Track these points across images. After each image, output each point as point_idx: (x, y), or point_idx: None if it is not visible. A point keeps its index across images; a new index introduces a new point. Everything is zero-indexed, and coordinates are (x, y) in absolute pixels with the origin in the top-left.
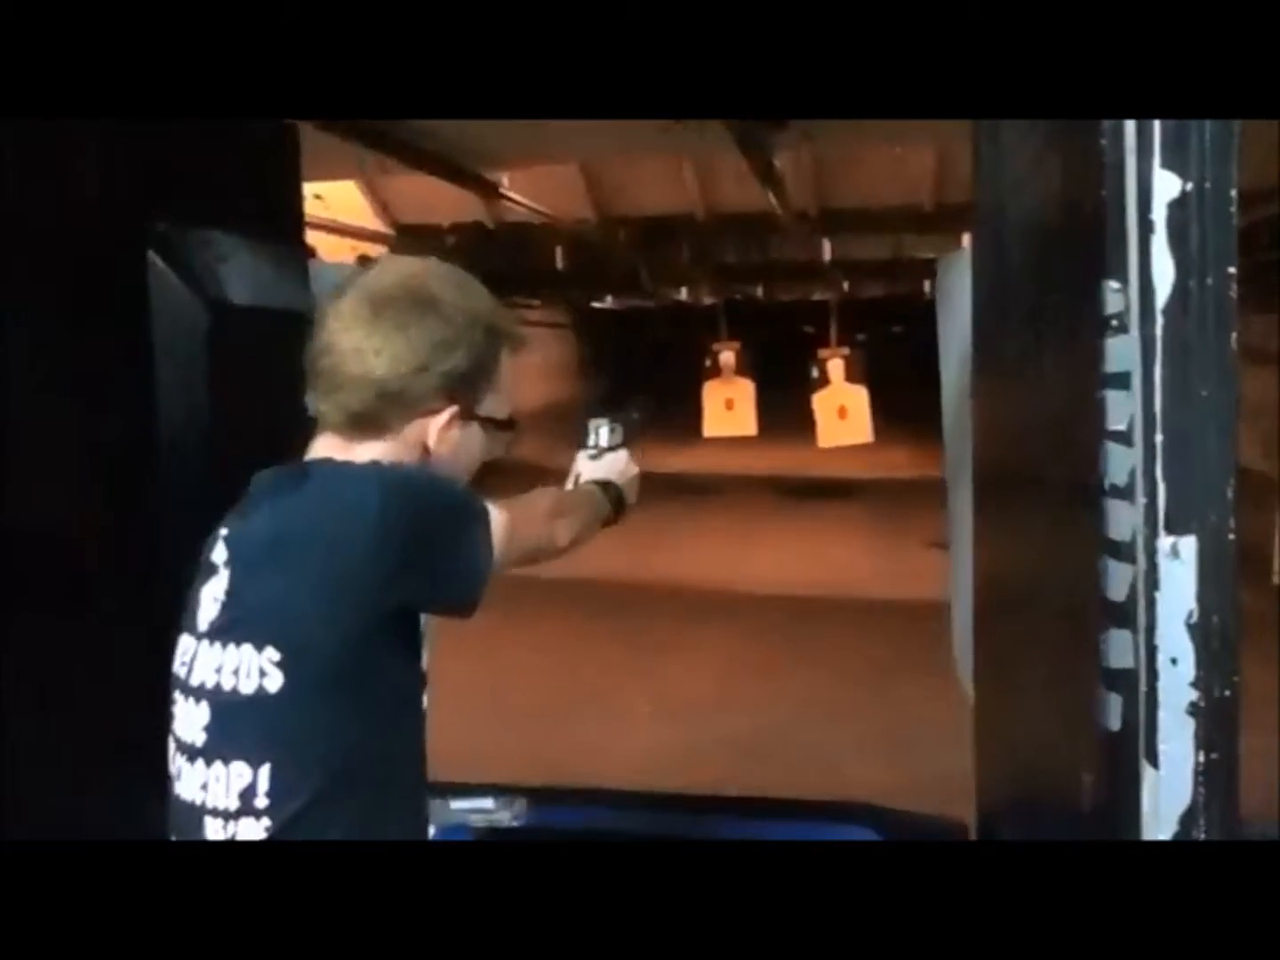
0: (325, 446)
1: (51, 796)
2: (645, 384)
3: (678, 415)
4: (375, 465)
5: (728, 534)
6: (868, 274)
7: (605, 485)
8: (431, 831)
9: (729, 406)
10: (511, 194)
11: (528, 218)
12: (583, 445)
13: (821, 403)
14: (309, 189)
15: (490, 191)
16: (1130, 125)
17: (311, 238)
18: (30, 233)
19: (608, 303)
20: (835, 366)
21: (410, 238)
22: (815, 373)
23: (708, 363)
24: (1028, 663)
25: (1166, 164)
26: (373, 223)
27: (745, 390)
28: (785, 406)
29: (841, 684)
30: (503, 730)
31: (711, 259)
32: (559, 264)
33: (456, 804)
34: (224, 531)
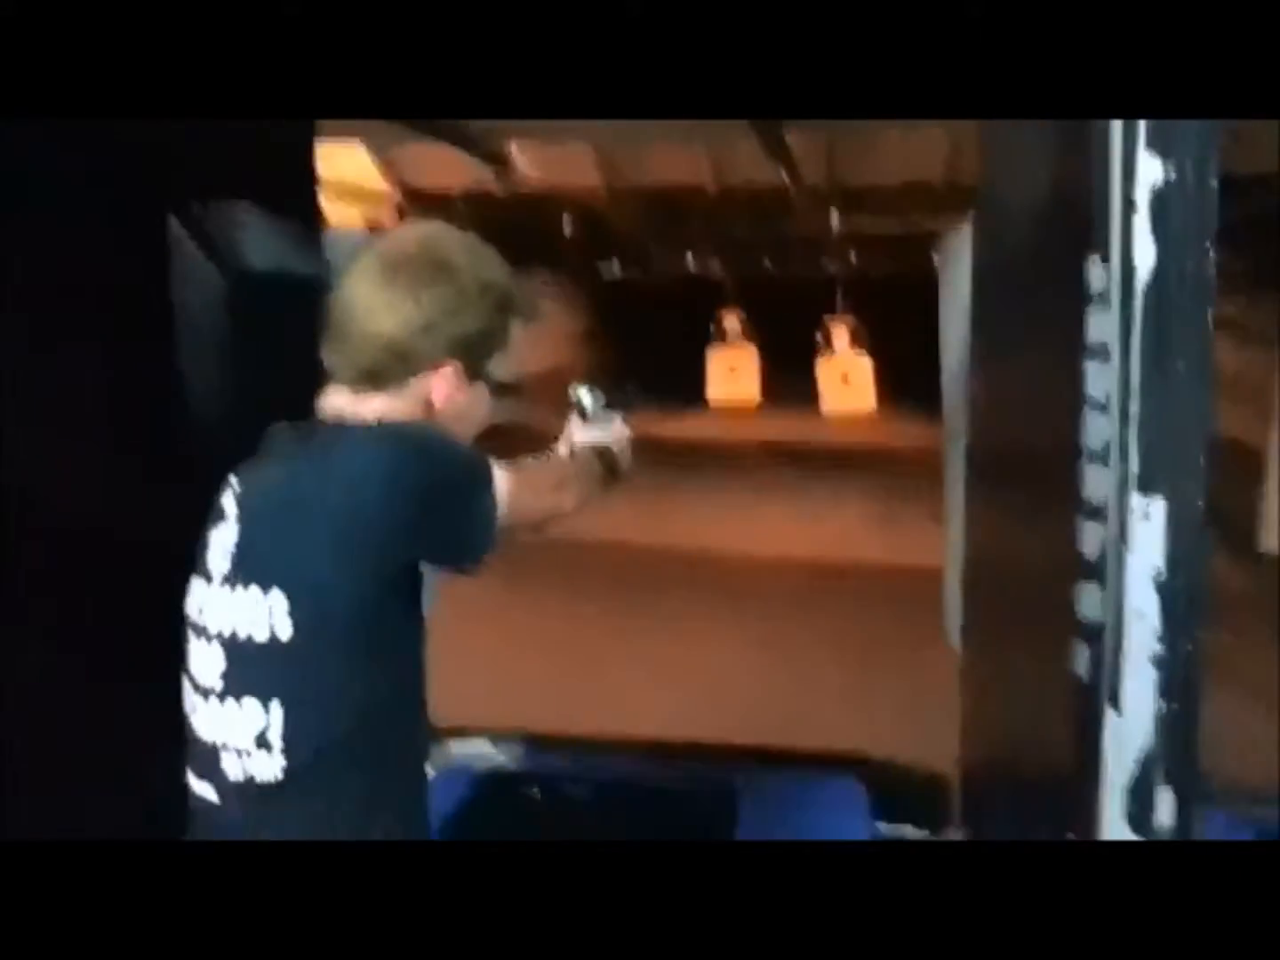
0: (335, 399)
1: (73, 743)
2: (651, 353)
3: (682, 382)
4: (385, 425)
5: (729, 501)
6: (876, 248)
7: (600, 452)
8: (432, 774)
9: (732, 372)
10: (521, 163)
11: (538, 188)
12: (573, 411)
13: (825, 369)
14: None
15: (499, 160)
16: None
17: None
18: (58, 204)
19: (616, 272)
20: (840, 333)
21: (418, 203)
22: (820, 338)
23: (712, 328)
24: (1010, 618)
25: (1151, 148)
26: (381, 186)
27: (749, 356)
28: (790, 374)
29: (840, 648)
30: (504, 689)
31: (721, 231)
32: (567, 232)
33: (457, 748)
34: (235, 481)
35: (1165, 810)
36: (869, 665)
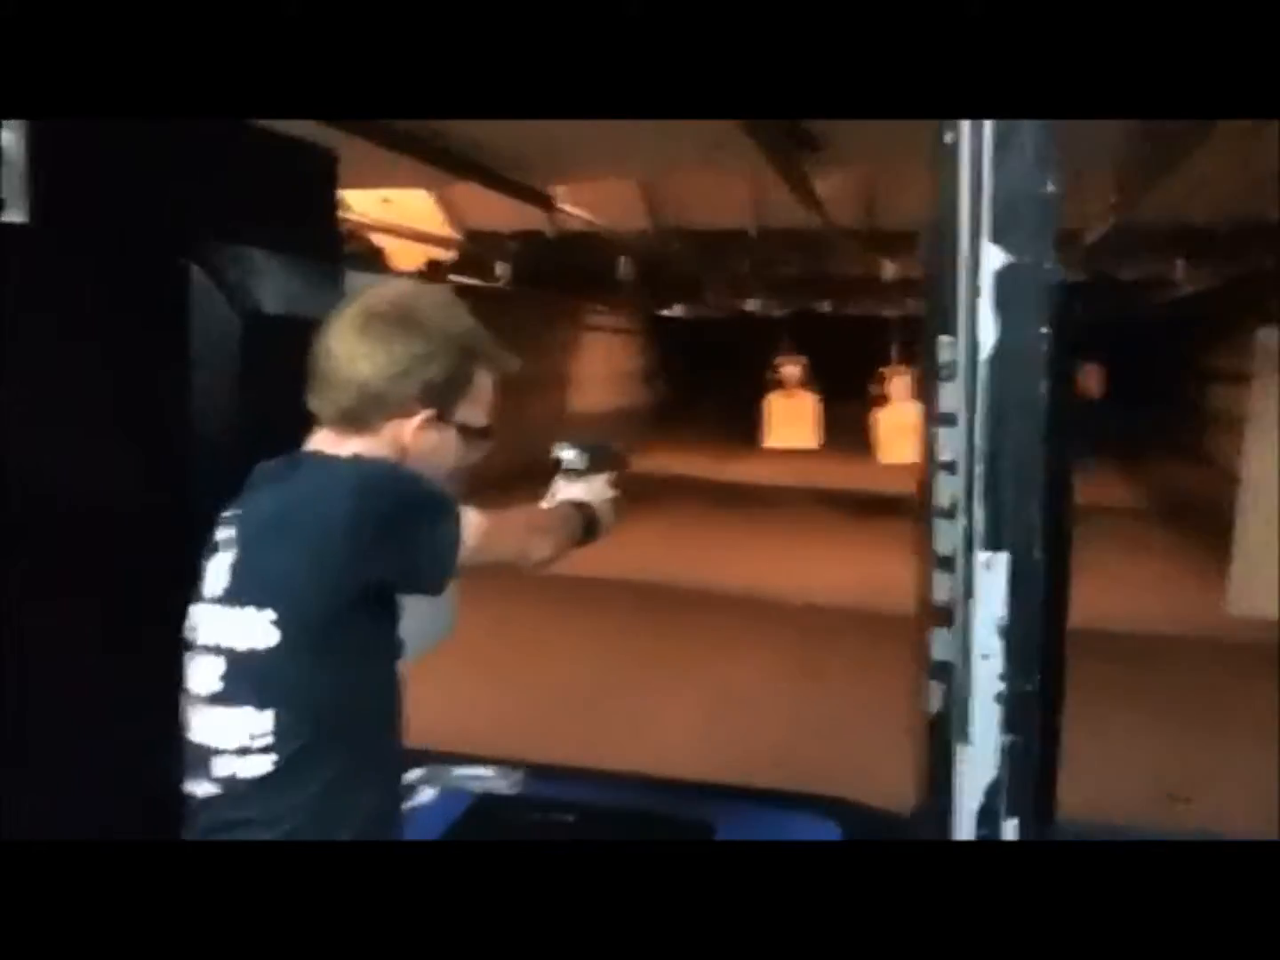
0: (319, 440)
1: (72, 743)
2: (708, 392)
3: (738, 425)
4: (357, 459)
5: (782, 546)
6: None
7: (580, 506)
8: (433, 794)
9: (792, 419)
10: (565, 206)
11: (587, 228)
12: (559, 468)
13: (882, 419)
14: (378, 194)
15: (543, 203)
16: (964, 204)
17: (380, 241)
18: (82, 247)
19: (675, 311)
20: (898, 384)
21: (475, 243)
22: (877, 389)
23: (771, 375)
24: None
25: (995, 239)
26: (441, 228)
27: (808, 404)
28: (848, 421)
29: (872, 689)
30: (540, 718)
31: (767, 274)
32: (620, 273)
33: (459, 771)
34: (229, 513)
35: (1010, 836)
36: (889, 707)
